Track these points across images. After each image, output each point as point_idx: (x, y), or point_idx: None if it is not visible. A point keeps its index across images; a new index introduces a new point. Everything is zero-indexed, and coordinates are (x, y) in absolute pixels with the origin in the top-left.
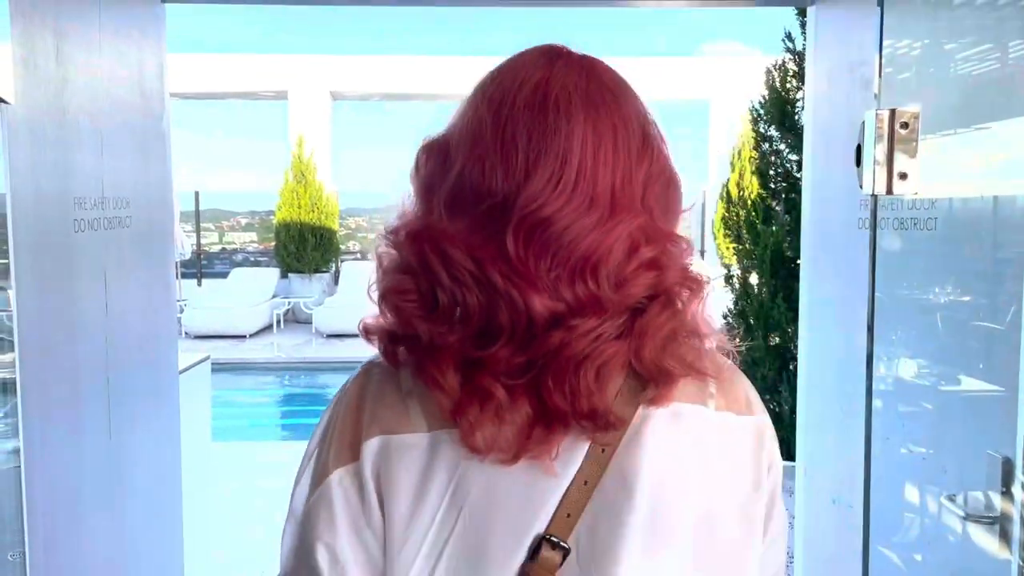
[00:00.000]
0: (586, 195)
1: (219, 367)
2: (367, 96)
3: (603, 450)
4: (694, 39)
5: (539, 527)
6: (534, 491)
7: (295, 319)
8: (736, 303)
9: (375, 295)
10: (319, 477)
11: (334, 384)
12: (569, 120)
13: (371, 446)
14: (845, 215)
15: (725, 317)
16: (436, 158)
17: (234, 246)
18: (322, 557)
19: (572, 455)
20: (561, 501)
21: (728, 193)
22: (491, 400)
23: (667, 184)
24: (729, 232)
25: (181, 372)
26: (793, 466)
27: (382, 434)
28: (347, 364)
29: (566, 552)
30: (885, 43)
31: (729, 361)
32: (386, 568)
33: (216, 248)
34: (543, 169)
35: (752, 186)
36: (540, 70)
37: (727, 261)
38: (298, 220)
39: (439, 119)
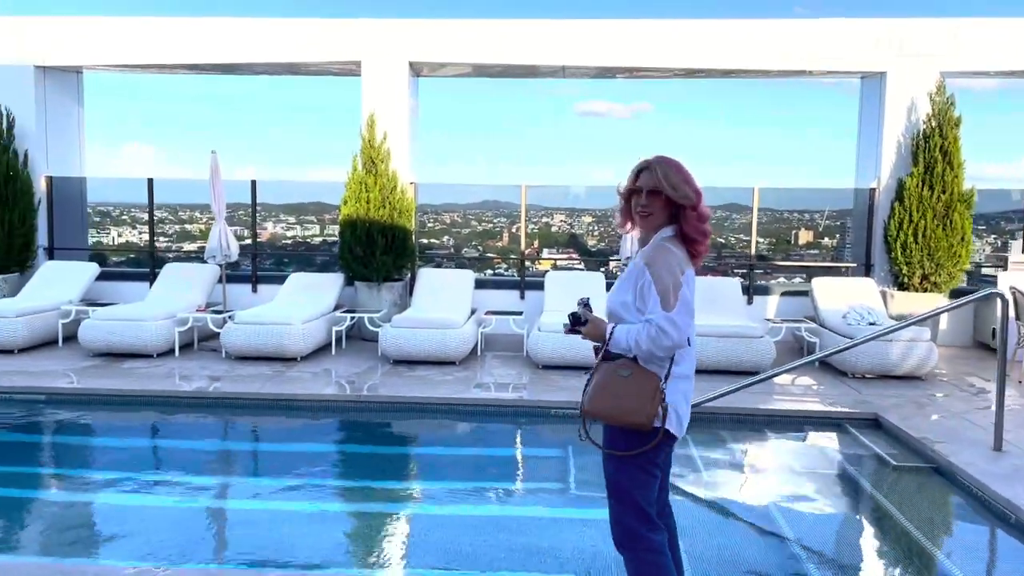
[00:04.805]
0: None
1: (253, 404)
2: (455, 65)
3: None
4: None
5: None
6: None
7: (360, 336)
8: None
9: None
10: (679, 281)
11: (391, 442)
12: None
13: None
14: None
15: None
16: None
17: (334, 238)
18: (686, 297)
19: None
20: None
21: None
22: None
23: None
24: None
25: None
26: None
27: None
28: (412, 405)
29: None
30: None
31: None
32: None
33: (318, 240)
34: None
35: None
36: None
37: (906, 276)
38: (366, 217)
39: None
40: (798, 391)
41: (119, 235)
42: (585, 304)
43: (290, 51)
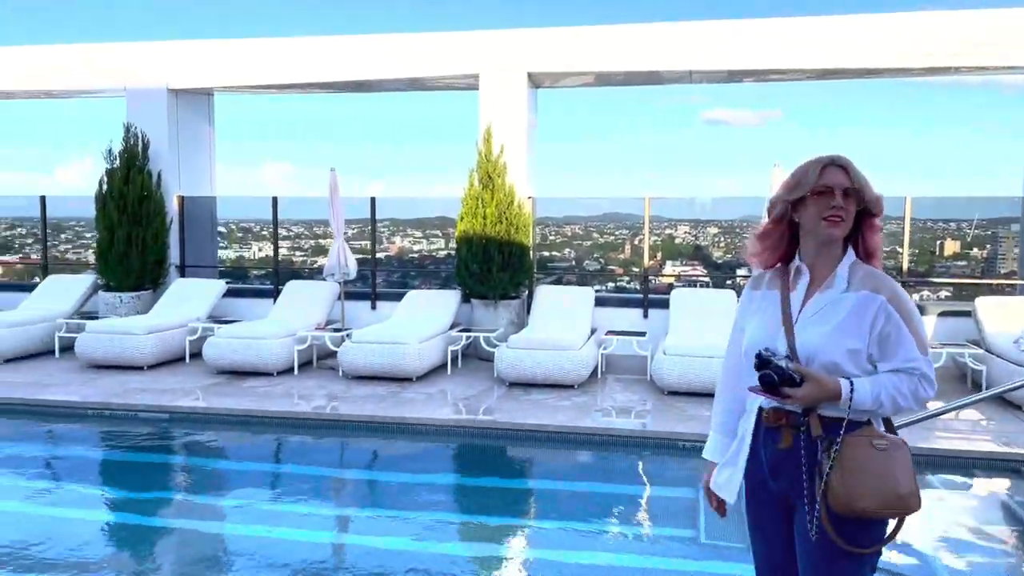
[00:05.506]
0: None
1: (367, 426)
2: (576, 75)
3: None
4: None
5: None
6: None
7: (476, 355)
8: None
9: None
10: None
11: (504, 473)
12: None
13: None
14: None
15: None
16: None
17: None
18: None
19: None
20: None
21: None
22: None
23: None
24: None
25: None
26: None
27: None
28: (528, 432)
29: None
30: None
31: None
32: None
33: (442, 254)
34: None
35: None
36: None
37: None
38: (482, 233)
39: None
40: (964, 427)
41: (259, 249)
42: (787, 356)
43: (413, 66)
